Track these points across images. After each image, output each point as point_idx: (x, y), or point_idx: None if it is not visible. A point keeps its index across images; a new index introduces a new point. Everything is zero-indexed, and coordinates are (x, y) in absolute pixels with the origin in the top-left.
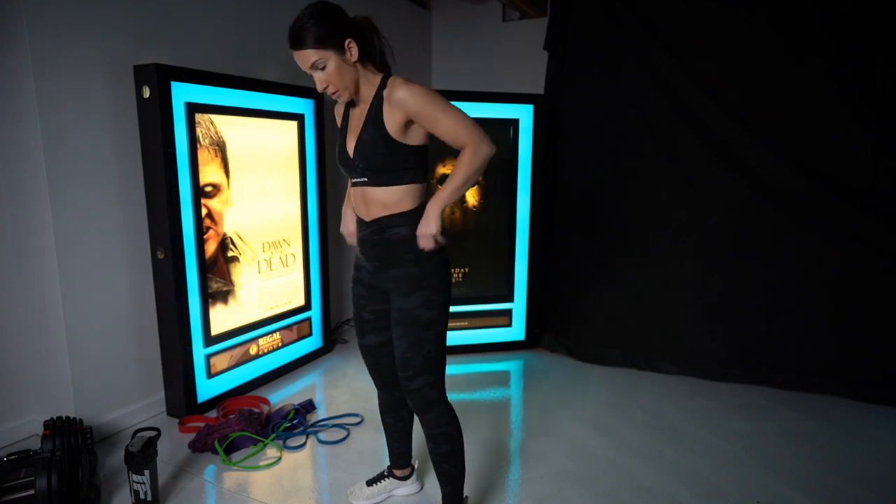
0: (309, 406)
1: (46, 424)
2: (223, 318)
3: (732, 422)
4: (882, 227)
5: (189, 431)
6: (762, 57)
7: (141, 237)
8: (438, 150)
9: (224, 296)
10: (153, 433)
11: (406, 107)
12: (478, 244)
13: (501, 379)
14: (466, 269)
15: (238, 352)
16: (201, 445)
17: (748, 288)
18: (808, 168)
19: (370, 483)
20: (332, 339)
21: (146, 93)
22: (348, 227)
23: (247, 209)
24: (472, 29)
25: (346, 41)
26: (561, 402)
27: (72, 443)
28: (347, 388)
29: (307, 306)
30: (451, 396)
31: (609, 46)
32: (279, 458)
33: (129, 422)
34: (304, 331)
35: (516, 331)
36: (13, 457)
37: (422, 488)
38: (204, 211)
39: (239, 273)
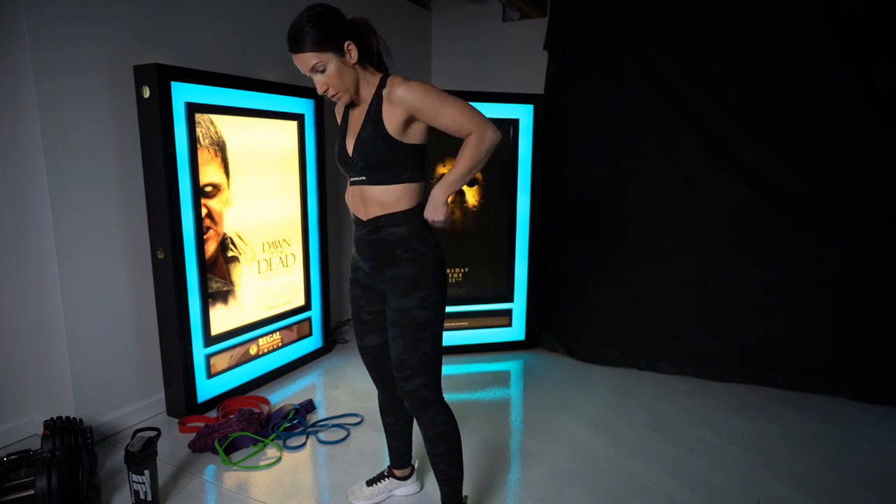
0: (309, 406)
1: (46, 424)
2: (223, 318)
3: (732, 422)
4: (882, 227)
5: (189, 431)
6: (762, 57)
7: (141, 237)
8: (438, 150)
9: (224, 296)
10: (153, 433)
11: (407, 104)
12: (478, 244)
13: (501, 379)
14: (466, 269)
15: (238, 352)
16: (201, 445)
17: (748, 288)
18: (808, 168)
19: (370, 483)
20: (332, 339)
21: (146, 93)
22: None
23: (247, 209)
24: (472, 29)
25: (346, 43)
26: (561, 402)
27: (72, 443)
28: (347, 388)
29: (307, 306)
30: (452, 396)
31: (609, 46)
32: (279, 458)
33: (129, 422)
34: (304, 331)
35: (516, 331)
36: (13, 457)
37: (422, 488)
38: (204, 211)
39: (239, 273)
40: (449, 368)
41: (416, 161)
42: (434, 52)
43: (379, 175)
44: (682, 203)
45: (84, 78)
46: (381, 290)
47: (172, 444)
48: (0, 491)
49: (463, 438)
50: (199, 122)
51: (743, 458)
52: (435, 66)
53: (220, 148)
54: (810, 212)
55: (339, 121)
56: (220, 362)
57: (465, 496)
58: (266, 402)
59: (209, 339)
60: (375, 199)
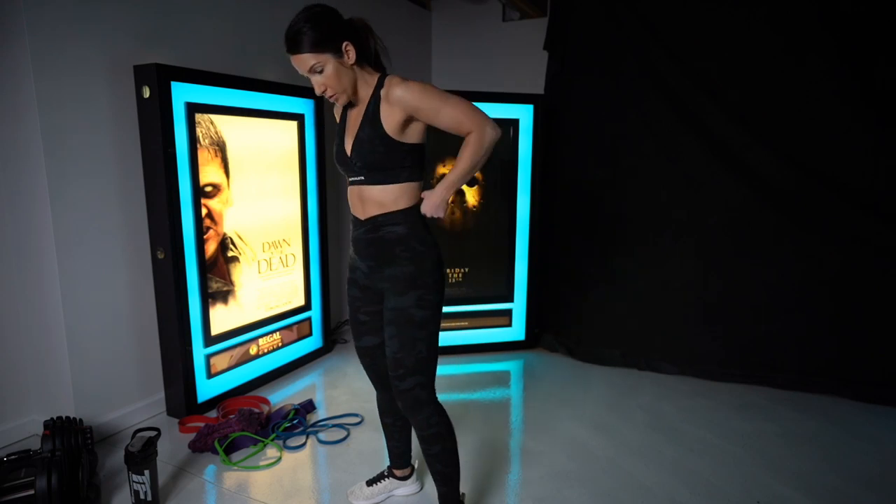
0: (309, 406)
1: (46, 424)
2: (223, 318)
3: (732, 422)
4: (882, 227)
5: (189, 431)
6: (762, 57)
7: (141, 237)
8: (438, 150)
9: (224, 296)
10: (153, 433)
11: (406, 104)
12: (478, 244)
13: (501, 379)
14: (466, 269)
15: (238, 352)
16: (201, 445)
17: (748, 288)
18: (808, 168)
19: (370, 483)
20: (332, 339)
21: (146, 93)
22: None
23: (247, 209)
24: (472, 29)
25: (344, 44)
26: (561, 402)
27: (72, 443)
28: (347, 388)
29: (307, 306)
30: (452, 396)
31: (609, 46)
32: (279, 458)
33: (129, 422)
34: (304, 331)
35: (516, 331)
36: (13, 457)
37: (422, 488)
38: (204, 211)
39: (239, 273)
40: (449, 368)
41: (415, 161)
42: (434, 52)
43: (377, 175)
44: (682, 203)
45: (84, 78)
46: (379, 290)
47: (172, 444)
48: (0, 491)
49: (463, 438)
50: (199, 122)
51: (743, 458)
52: (435, 66)
53: (220, 148)
54: (810, 212)
55: (337, 121)
56: (220, 362)
57: (463, 494)
58: (266, 402)
59: (209, 339)
60: (374, 199)
